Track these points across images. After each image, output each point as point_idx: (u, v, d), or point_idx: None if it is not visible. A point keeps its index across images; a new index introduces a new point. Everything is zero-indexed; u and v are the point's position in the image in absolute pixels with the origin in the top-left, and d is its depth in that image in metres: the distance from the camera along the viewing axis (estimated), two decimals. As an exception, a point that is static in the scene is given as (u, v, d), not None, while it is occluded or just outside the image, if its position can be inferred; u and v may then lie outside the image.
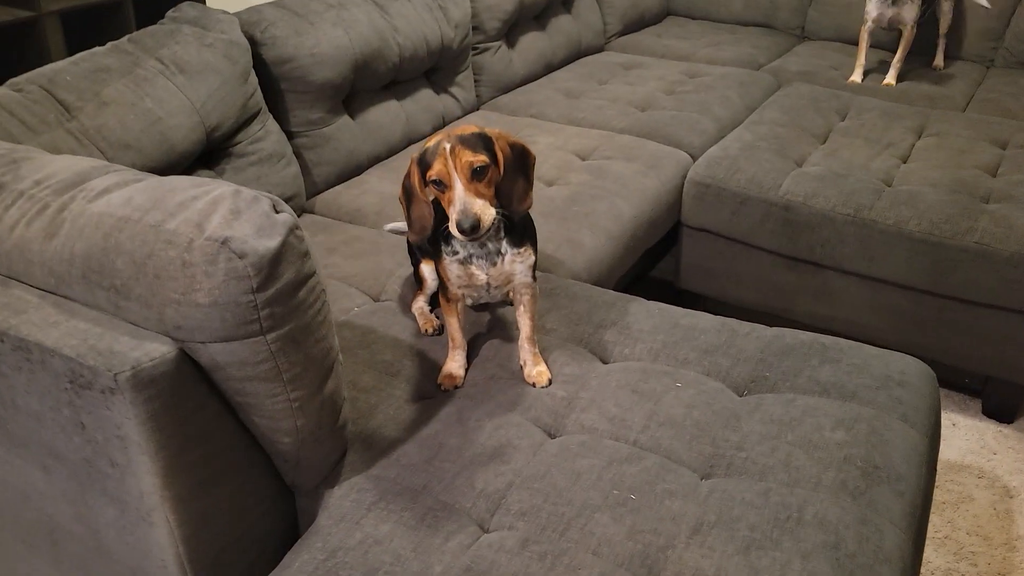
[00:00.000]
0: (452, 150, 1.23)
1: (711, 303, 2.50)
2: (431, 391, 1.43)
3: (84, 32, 2.80)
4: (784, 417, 1.33)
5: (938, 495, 1.91)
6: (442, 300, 1.46)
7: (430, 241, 1.40)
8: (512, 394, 1.41)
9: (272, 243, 1.01)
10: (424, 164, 1.27)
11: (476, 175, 1.24)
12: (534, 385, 1.43)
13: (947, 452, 2.04)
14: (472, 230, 1.22)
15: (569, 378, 1.45)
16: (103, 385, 0.94)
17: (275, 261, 1.01)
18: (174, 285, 0.98)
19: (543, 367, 1.45)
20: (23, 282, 1.09)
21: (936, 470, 1.37)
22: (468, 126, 1.29)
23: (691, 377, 1.45)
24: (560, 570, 1.09)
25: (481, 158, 1.23)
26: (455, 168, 1.23)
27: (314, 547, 1.14)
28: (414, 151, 1.31)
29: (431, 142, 1.27)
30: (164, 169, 1.64)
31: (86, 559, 1.19)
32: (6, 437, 1.12)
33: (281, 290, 1.02)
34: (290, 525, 1.25)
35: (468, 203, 1.22)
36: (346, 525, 1.16)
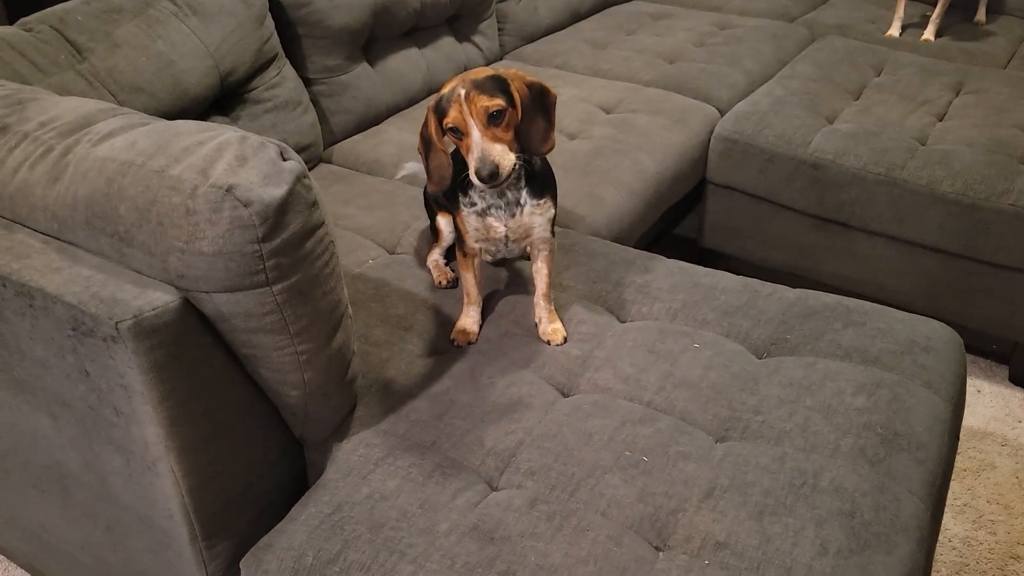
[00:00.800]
0: (467, 96, 1.18)
1: (735, 262, 2.45)
2: (444, 346, 1.41)
3: None
4: (803, 381, 1.29)
5: (959, 462, 1.87)
6: (459, 254, 1.43)
7: (448, 192, 1.36)
8: (526, 351, 1.38)
9: (278, 191, 0.98)
10: (440, 112, 1.23)
11: (493, 120, 1.19)
12: (549, 343, 1.40)
13: (970, 419, 2.00)
14: (491, 177, 1.19)
15: (585, 336, 1.42)
16: (105, 333, 0.93)
17: (281, 210, 0.98)
18: (177, 233, 0.95)
19: (558, 324, 1.42)
20: (26, 226, 1.07)
21: (959, 438, 1.34)
22: (483, 69, 1.24)
23: (709, 338, 1.41)
24: (568, 531, 1.07)
25: (497, 102, 1.19)
26: (471, 114, 1.18)
27: (320, 500, 1.13)
28: (431, 100, 1.27)
29: (446, 88, 1.23)
30: (177, 114, 1.61)
31: (94, 506, 1.19)
32: (13, 383, 1.11)
33: (287, 240, 0.99)
34: (298, 478, 1.25)
35: (486, 149, 1.18)
36: (353, 479, 1.15)
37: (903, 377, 1.30)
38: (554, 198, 1.37)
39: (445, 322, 1.45)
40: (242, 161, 0.99)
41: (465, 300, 1.44)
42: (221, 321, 1.01)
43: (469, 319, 1.43)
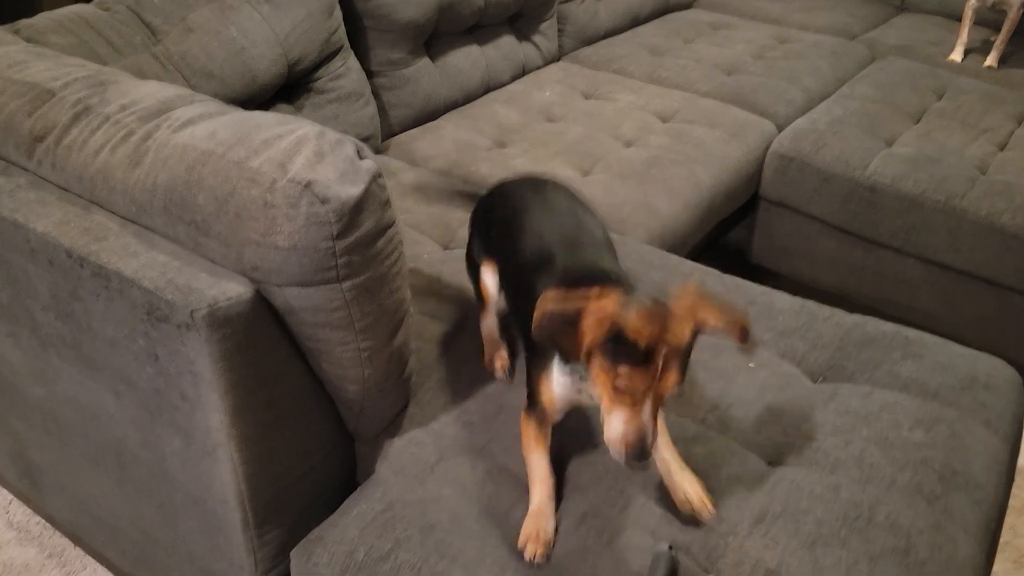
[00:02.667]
0: (665, 368, 0.90)
1: (783, 281, 2.43)
2: (495, 347, 1.41)
3: None
4: (860, 410, 1.28)
5: (1003, 500, 1.84)
6: (525, 423, 1.10)
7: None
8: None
9: (355, 190, 0.98)
10: (617, 352, 0.90)
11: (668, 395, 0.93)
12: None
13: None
14: (642, 459, 0.93)
15: (637, 348, 1.41)
16: (179, 320, 0.94)
17: (357, 209, 0.98)
18: (255, 226, 0.96)
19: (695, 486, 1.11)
20: (105, 208, 1.08)
21: (1014, 479, 1.32)
22: (685, 321, 0.92)
23: (765, 358, 1.40)
24: (618, 548, 1.07)
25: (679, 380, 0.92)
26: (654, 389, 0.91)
27: (373, 497, 1.14)
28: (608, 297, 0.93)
29: (642, 328, 0.89)
30: (245, 100, 1.62)
31: (150, 483, 1.20)
32: (80, 359, 1.12)
33: (360, 238, 1.00)
34: (348, 471, 1.25)
35: (648, 431, 0.91)
36: (405, 479, 1.16)
37: (962, 413, 1.28)
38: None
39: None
40: (320, 157, 0.99)
41: (535, 492, 1.08)
42: (290, 314, 1.02)
43: (543, 518, 1.06)
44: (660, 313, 0.92)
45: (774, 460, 1.22)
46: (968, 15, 2.82)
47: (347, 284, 1.01)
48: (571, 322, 0.92)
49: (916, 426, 1.25)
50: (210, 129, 1.04)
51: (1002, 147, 2.27)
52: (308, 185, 0.96)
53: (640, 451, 0.92)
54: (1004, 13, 2.78)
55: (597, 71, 2.54)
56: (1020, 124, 2.40)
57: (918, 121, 2.38)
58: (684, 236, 1.92)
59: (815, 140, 2.20)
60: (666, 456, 1.11)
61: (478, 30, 2.30)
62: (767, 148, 2.25)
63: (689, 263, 1.64)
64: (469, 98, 2.27)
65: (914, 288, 2.14)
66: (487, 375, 1.33)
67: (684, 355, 0.92)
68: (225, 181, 0.98)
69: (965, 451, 1.21)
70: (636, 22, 2.92)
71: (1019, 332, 2.03)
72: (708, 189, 2.01)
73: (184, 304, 0.93)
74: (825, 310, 1.52)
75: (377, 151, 2.02)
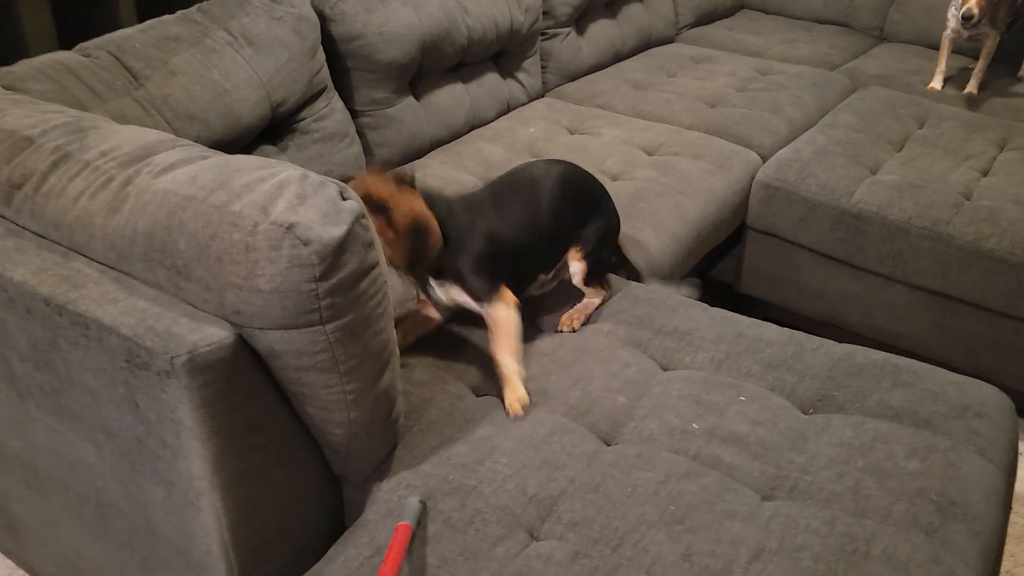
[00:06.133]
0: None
1: (772, 310, 2.43)
2: (484, 389, 1.40)
3: (73, 15, 2.76)
4: (854, 441, 1.27)
5: (1001, 528, 1.82)
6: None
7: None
8: (572, 397, 1.36)
9: (338, 231, 0.97)
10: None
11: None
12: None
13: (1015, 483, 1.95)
14: None
15: (630, 382, 1.40)
16: (159, 367, 0.92)
17: (340, 250, 0.97)
18: (236, 269, 0.95)
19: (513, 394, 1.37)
20: (84, 255, 1.07)
21: (1011, 507, 1.30)
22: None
23: (755, 391, 1.39)
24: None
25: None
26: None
27: (360, 542, 1.11)
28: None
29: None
30: (228, 143, 1.62)
31: (132, 536, 1.18)
32: (60, 409, 1.10)
33: (343, 280, 0.99)
34: (336, 515, 1.23)
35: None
36: (393, 521, 1.13)
37: (956, 442, 1.26)
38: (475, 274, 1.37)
39: (486, 363, 1.44)
40: (302, 199, 0.99)
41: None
42: (272, 358, 1.00)
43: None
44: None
45: (768, 494, 1.20)
46: (945, 44, 2.86)
47: (331, 326, 1.00)
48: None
49: (911, 456, 1.23)
50: (191, 174, 1.04)
51: (985, 173, 2.28)
52: (290, 227, 0.95)
53: None
54: (980, 43, 2.81)
55: (581, 106, 2.55)
56: (1002, 150, 2.42)
57: (901, 149, 2.40)
58: (672, 269, 1.92)
59: (800, 169, 2.21)
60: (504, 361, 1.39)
61: (462, 68, 2.32)
62: (752, 178, 2.25)
63: (674, 297, 1.63)
64: (454, 135, 2.28)
65: (903, 315, 2.13)
66: (479, 417, 1.31)
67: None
68: (206, 225, 0.97)
69: (961, 480, 1.20)
70: (618, 57, 2.94)
71: (1010, 356, 2.02)
72: (695, 221, 2.01)
73: (163, 350, 0.92)
74: (813, 341, 1.51)
75: (363, 190, 2.02)
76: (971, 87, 2.84)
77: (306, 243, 0.95)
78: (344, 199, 1.02)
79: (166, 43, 1.59)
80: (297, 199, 0.99)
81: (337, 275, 0.98)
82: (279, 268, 0.94)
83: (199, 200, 0.99)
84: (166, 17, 1.67)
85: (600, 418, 1.33)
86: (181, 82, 1.55)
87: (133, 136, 1.16)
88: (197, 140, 1.54)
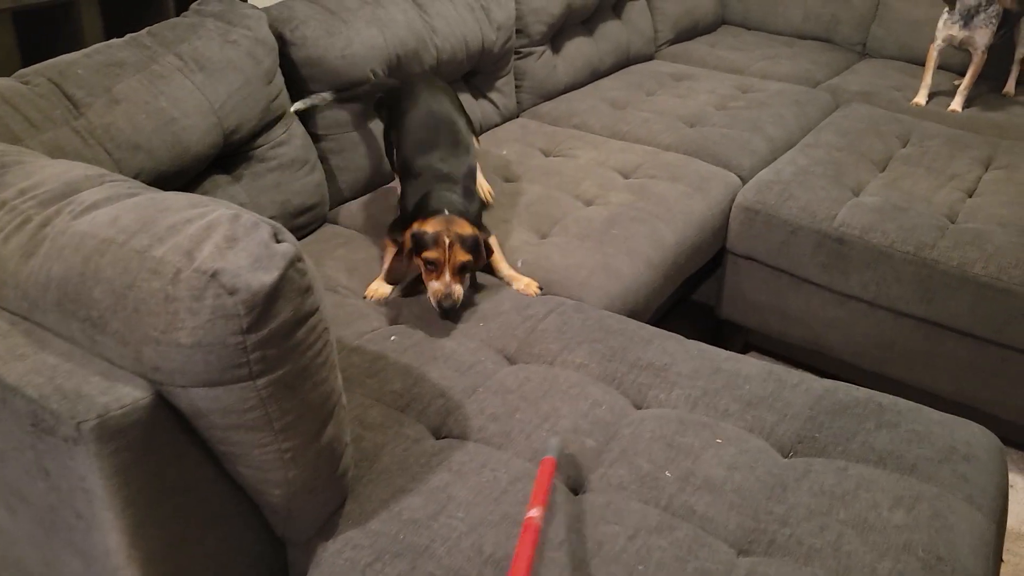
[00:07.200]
0: (451, 246, 1.50)
1: (753, 335, 2.35)
2: (444, 430, 1.32)
3: (124, 16, 2.71)
4: (836, 489, 1.19)
5: (993, 565, 1.75)
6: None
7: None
8: (537, 439, 1.28)
9: (268, 277, 0.89)
10: (421, 243, 1.51)
11: (462, 270, 1.52)
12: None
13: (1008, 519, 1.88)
14: (450, 311, 1.53)
15: (599, 423, 1.32)
16: (65, 433, 0.84)
17: (270, 298, 0.89)
18: (154, 321, 0.87)
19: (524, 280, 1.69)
20: (-4, 304, 0.99)
21: (1003, 558, 1.23)
22: (464, 223, 1.55)
23: (732, 432, 1.31)
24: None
25: (470, 258, 1.52)
26: (448, 261, 1.50)
27: (302, 611, 1.03)
28: (415, 226, 1.55)
29: (429, 226, 1.52)
30: (175, 174, 1.54)
31: (55, 605, 1.09)
32: (-29, 471, 1.02)
33: (275, 331, 0.91)
34: (279, 578, 1.14)
35: (452, 289, 1.52)
36: (338, 588, 1.05)
37: (943, 490, 1.19)
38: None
39: (446, 400, 1.36)
40: (231, 242, 0.91)
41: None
42: (197, 417, 0.92)
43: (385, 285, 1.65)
44: (447, 219, 1.55)
45: (745, 549, 1.12)
46: (933, 57, 2.80)
47: (262, 381, 0.91)
48: (399, 247, 1.57)
49: (896, 505, 1.16)
50: (113, 215, 0.96)
51: (970, 194, 2.22)
52: (214, 275, 0.87)
53: (449, 304, 1.52)
54: (969, 55, 2.76)
55: (557, 127, 2.48)
56: (987, 169, 2.36)
57: (884, 169, 2.34)
58: (648, 297, 1.84)
59: (781, 191, 2.14)
60: (503, 271, 1.70)
61: (431, 89, 2.24)
62: (732, 201, 2.19)
63: (649, 328, 1.56)
64: (424, 159, 2.20)
65: (888, 341, 2.06)
66: (435, 463, 1.23)
67: (466, 245, 1.52)
68: (124, 272, 0.89)
69: (949, 532, 1.12)
70: (596, 75, 2.88)
71: (997, 384, 1.95)
72: (672, 247, 1.93)
73: (70, 415, 0.83)
74: (793, 375, 1.44)
75: (325, 219, 1.94)
76: (956, 104, 2.79)
77: (232, 292, 0.87)
78: (279, 241, 0.94)
79: (111, 69, 1.50)
80: (226, 242, 0.91)
81: (268, 326, 0.90)
82: (201, 320, 0.86)
83: (118, 244, 0.91)
84: (113, 41, 1.58)
85: (569, 464, 1.25)
86: (125, 110, 1.47)
87: (59, 172, 1.08)
88: (141, 172, 1.46)
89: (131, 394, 0.87)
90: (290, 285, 0.92)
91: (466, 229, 1.53)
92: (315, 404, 0.99)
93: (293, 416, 0.96)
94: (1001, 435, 2.09)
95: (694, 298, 2.55)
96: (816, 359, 2.28)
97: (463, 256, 1.50)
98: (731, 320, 2.30)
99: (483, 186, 1.94)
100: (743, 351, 2.37)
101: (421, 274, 1.56)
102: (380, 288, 1.64)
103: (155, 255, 0.90)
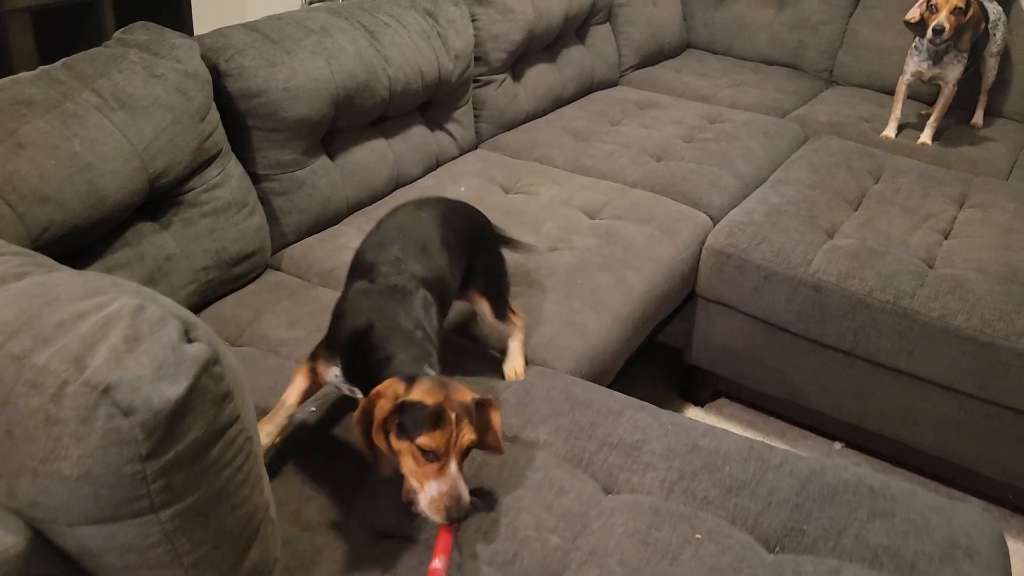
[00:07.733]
0: (458, 423, 1.03)
1: (724, 383, 2.24)
2: (392, 523, 1.17)
3: (57, 33, 2.54)
4: (828, 598, 1.07)
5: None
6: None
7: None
8: (495, 539, 1.14)
9: (174, 391, 0.74)
10: (417, 422, 1.02)
11: (465, 455, 1.06)
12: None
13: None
14: (462, 515, 1.03)
15: (566, 515, 1.19)
16: (-88, 599, 0.68)
17: (176, 416, 0.74)
18: (31, 448, 0.71)
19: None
20: None
21: (1009, 666, 1.12)
22: (465, 389, 1.08)
23: (713, 524, 1.18)
24: None
25: (476, 436, 1.06)
26: (454, 444, 1.03)
27: None
28: (389, 384, 1.06)
29: (427, 396, 1.04)
30: (91, 225, 1.37)
31: None
32: None
33: (183, 453, 0.76)
34: None
35: (459, 489, 1.02)
36: None
37: (947, 597, 1.08)
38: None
39: (395, 496, 1.21)
40: (132, 344, 0.76)
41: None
42: (88, 558, 0.76)
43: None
44: (440, 383, 1.06)
45: (731, 674, 0.99)
46: (901, 90, 2.74)
47: (166, 513, 0.76)
48: (368, 418, 1.04)
49: (896, 618, 1.04)
50: (-10, 306, 0.80)
51: (946, 235, 2.14)
52: (107, 390, 0.72)
53: (457, 509, 1.02)
54: (938, 88, 2.70)
55: (518, 159, 2.35)
56: (961, 207, 2.29)
57: (858, 207, 2.25)
58: (615, 354, 1.71)
59: (753, 234, 2.03)
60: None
61: (384, 122, 2.09)
62: (702, 243, 2.07)
63: (618, 397, 1.43)
64: (375, 197, 2.05)
65: (866, 393, 1.96)
66: (379, 570, 1.08)
67: (472, 418, 1.05)
68: (-3, 384, 0.73)
69: (956, 650, 1.01)
70: (559, 103, 2.76)
71: (981, 441, 1.86)
72: (640, 297, 1.81)
73: (-83, 576, 0.67)
74: (777, 455, 1.32)
75: (267, 265, 1.78)
76: (925, 137, 2.73)
77: (128, 412, 0.72)
78: (190, 341, 0.79)
79: (16, 108, 1.33)
80: (125, 344, 0.76)
81: (174, 448, 0.75)
82: (90, 447, 0.71)
83: (-8, 348, 0.75)
84: (22, 75, 1.41)
85: (531, 567, 1.11)
86: (31, 156, 1.30)
87: (-66, 245, 0.91)
88: (49, 226, 1.29)
89: (0, 539, 0.71)
90: (202, 396, 0.77)
91: (465, 395, 1.08)
92: (234, 530, 0.84)
93: (207, 547, 0.81)
94: (981, 491, 2.02)
95: (661, 340, 2.43)
96: (791, 409, 2.17)
97: (470, 435, 1.05)
98: (701, 367, 2.19)
99: (515, 365, 1.49)
100: (713, 398, 2.26)
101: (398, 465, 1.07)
102: (263, 429, 1.21)
103: (36, 363, 0.74)
